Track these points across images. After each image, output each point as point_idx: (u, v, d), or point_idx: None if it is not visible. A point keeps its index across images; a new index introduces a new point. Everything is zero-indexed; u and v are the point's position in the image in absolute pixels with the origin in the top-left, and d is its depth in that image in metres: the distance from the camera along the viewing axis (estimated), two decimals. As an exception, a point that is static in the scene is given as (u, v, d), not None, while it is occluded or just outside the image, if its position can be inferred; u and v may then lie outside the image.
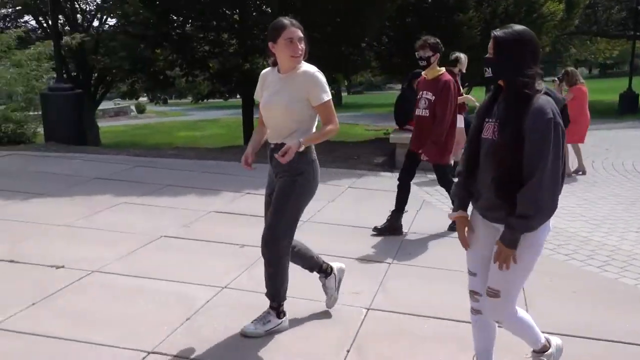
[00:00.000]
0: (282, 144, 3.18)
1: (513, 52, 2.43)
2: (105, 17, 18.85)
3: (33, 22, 19.48)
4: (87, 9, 20.02)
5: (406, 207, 5.42)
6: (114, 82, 19.42)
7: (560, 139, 2.36)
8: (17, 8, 17.47)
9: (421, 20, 12.17)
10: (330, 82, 5.07)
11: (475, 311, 2.77)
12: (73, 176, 7.20)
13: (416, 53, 5.19)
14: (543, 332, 2.83)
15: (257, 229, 5.28)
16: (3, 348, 3.09)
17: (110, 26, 18.68)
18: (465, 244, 2.69)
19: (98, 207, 5.74)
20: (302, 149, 3.15)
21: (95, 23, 20.16)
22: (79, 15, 19.83)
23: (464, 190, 2.67)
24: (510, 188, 2.40)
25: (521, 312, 2.68)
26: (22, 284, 3.93)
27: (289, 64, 3.23)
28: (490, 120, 2.53)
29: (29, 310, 3.53)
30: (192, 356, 3.07)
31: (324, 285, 3.64)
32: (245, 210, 5.89)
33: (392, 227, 5.31)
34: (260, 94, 3.38)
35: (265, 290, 3.41)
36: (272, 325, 3.36)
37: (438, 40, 5.17)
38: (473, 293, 2.73)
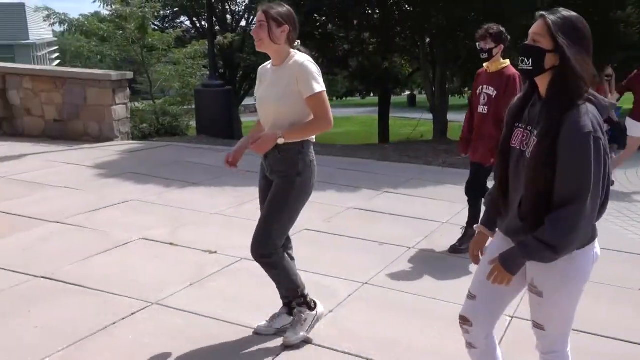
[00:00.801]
0: (277, 144, 2.93)
1: (572, 40, 1.97)
2: (252, 17, 19.86)
3: (188, 23, 21.01)
4: (237, 10, 21.17)
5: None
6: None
7: (602, 157, 1.94)
8: (175, 10, 18.85)
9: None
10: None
11: (469, 345, 2.33)
12: (222, 168, 7.65)
13: (477, 44, 4.57)
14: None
15: (395, 227, 5.39)
16: (166, 322, 3.39)
17: (256, 25, 19.65)
18: (475, 259, 2.37)
19: (246, 198, 6.07)
20: (281, 141, 2.89)
21: (243, 23, 21.32)
22: (228, 16, 21.03)
23: (493, 207, 2.31)
24: (540, 211, 2.01)
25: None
26: (181, 265, 4.27)
27: (271, 55, 2.99)
28: (520, 125, 2.13)
29: (187, 290, 3.84)
30: (337, 347, 3.17)
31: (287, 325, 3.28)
32: (383, 209, 5.95)
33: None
34: (257, 90, 3.16)
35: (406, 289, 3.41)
36: (310, 320, 3.19)
37: (502, 30, 4.52)
38: (464, 320, 2.29)
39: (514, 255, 2.05)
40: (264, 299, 3.60)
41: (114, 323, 3.33)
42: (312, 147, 3.07)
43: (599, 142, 1.93)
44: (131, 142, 9.35)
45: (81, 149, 8.48)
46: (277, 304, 3.32)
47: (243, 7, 20.77)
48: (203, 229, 5.14)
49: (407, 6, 13.44)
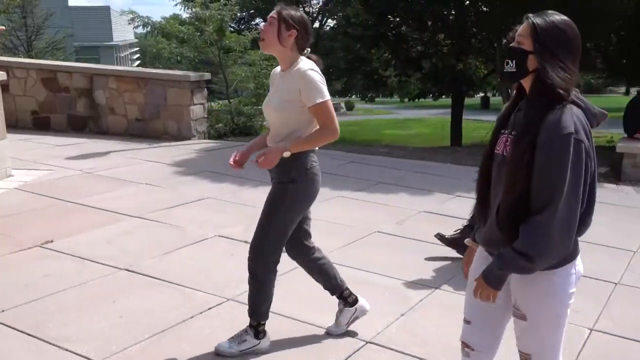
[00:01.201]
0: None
1: (554, 44, 1.90)
2: (325, 19, 20.04)
3: (262, 25, 21.42)
4: (310, 12, 21.40)
5: None
6: (329, 81, 20.55)
7: (582, 161, 1.85)
8: (251, 11, 19.26)
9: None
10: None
11: None
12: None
13: None
14: None
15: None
16: (241, 318, 3.48)
17: (328, 27, 19.80)
18: (467, 276, 2.27)
19: (318, 198, 6.14)
20: (287, 154, 2.83)
21: (316, 24, 21.52)
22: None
23: (476, 216, 2.22)
24: (517, 218, 1.91)
25: None
26: (255, 263, 4.38)
27: (277, 58, 2.94)
28: (505, 131, 2.04)
29: (261, 288, 3.93)
30: (406, 351, 3.18)
31: (339, 312, 3.34)
32: (456, 213, 5.87)
33: (453, 242, 4.65)
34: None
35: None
36: (249, 346, 3.10)
37: None
38: (464, 345, 2.22)
39: (493, 268, 1.96)
40: (335, 300, 3.64)
41: (192, 317, 3.47)
42: (311, 154, 2.96)
43: (580, 145, 1.85)
44: (207, 141, 9.64)
45: (160, 147, 8.82)
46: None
47: (317, 9, 21.01)
48: (276, 228, 5.24)
49: (484, 7, 13.20)
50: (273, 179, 3.01)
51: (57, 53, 23.37)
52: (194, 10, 10.81)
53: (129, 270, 4.15)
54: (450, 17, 13.55)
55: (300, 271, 3.36)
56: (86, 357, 3.02)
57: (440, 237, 4.71)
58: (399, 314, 3.58)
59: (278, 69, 3.03)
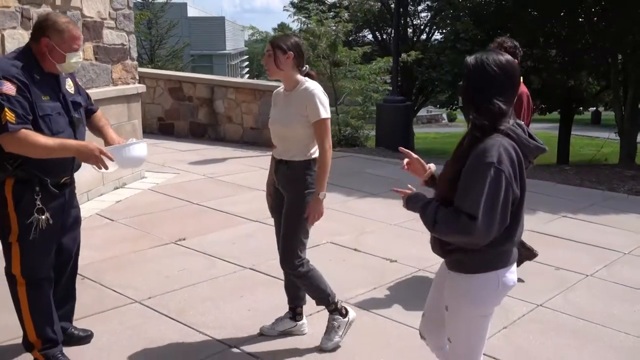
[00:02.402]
0: (282, 161, 3.30)
1: (473, 82, 2.21)
2: (432, 33, 20.15)
3: (370, 36, 21.87)
4: (418, 24, 21.58)
5: None
6: (433, 93, 20.62)
7: (501, 188, 2.08)
8: (359, 24, 19.73)
9: None
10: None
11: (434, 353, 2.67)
12: (399, 181, 8.06)
13: None
14: None
15: (572, 253, 5.38)
16: (362, 323, 3.85)
17: (436, 40, 19.88)
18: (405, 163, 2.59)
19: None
20: (322, 196, 3.25)
21: (423, 36, 21.67)
22: (409, 29, 21.52)
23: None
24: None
25: None
26: (365, 270, 4.74)
27: (282, 80, 3.31)
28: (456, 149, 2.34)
29: (371, 293, 4.29)
30: (503, 359, 3.41)
31: (293, 329, 3.61)
32: (561, 233, 5.93)
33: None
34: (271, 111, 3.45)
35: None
36: (343, 326, 3.46)
37: (516, 44, 4.30)
38: (420, 335, 2.65)
39: (417, 200, 2.29)
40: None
41: (310, 314, 3.86)
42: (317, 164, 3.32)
43: (500, 174, 2.09)
44: (316, 151, 10.12)
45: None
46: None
47: (425, 21, 21.16)
48: (383, 238, 5.57)
49: (600, 22, 12.88)
50: (284, 188, 3.36)
51: (176, 61, 25.02)
52: (309, 25, 11.37)
53: (252, 269, 4.63)
54: (563, 33, 13.30)
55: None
56: (223, 342, 3.49)
57: None
58: (502, 326, 3.79)
59: (281, 89, 3.40)
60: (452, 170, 2.24)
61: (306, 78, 3.31)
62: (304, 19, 12.46)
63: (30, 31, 2.93)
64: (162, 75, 11.07)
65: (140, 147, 3.19)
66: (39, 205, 2.93)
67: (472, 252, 2.22)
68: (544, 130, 27.60)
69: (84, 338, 3.40)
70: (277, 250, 3.49)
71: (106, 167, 2.97)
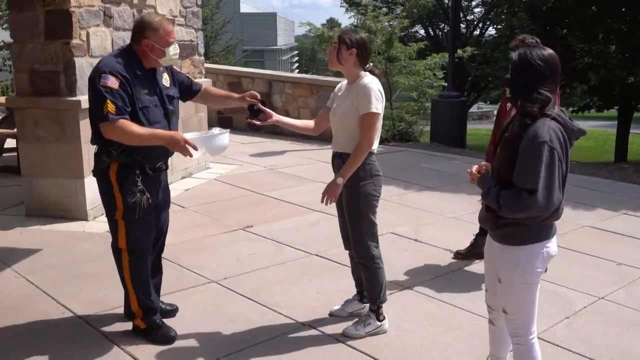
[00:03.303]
0: (340, 153, 3.45)
1: (520, 75, 2.47)
2: (486, 28, 19.99)
3: (422, 32, 21.85)
4: (472, 19, 21.43)
5: None
6: (486, 89, 20.44)
7: (555, 164, 2.36)
8: (413, 20, 19.75)
9: None
10: None
11: (490, 322, 2.91)
12: (456, 175, 8.18)
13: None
14: None
15: (635, 250, 5.39)
16: (419, 306, 4.04)
17: (490, 36, 19.71)
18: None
19: (479, 205, 6.51)
20: (340, 181, 3.33)
21: (476, 32, 21.51)
22: (462, 25, 21.37)
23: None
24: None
25: (537, 347, 2.69)
26: (426, 259, 4.90)
27: (343, 73, 3.44)
28: (507, 134, 2.61)
29: (433, 281, 4.45)
30: (573, 349, 3.52)
31: (361, 310, 3.71)
32: (621, 230, 5.93)
33: (471, 253, 4.89)
34: (331, 103, 3.56)
35: None
36: (373, 327, 3.54)
37: (538, 40, 4.11)
38: (487, 306, 2.88)
39: (486, 184, 2.55)
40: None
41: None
42: (373, 156, 3.45)
43: (553, 152, 2.37)
44: (371, 145, 10.28)
45: (329, 149, 9.55)
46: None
47: (479, 17, 21.00)
48: (442, 229, 5.71)
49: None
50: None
51: (230, 57, 25.54)
52: (366, 22, 11.51)
53: (318, 256, 4.86)
54: (624, 29, 13.03)
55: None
56: (296, 320, 3.73)
57: (458, 254, 4.96)
58: (564, 316, 3.90)
59: (344, 82, 3.54)
60: (507, 153, 2.50)
61: (366, 73, 3.43)
62: (359, 15, 12.59)
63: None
64: (222, 70, 11.43)
65: (225, 137, 3.46)
66: (140, 186, 3.26)
67: (522, 225, 2.50)
68: (600, 128, 27.00)
69: (170, 311, 3.71)
70: (342, 240, 3.71)
71: (191, 155, 3.23)
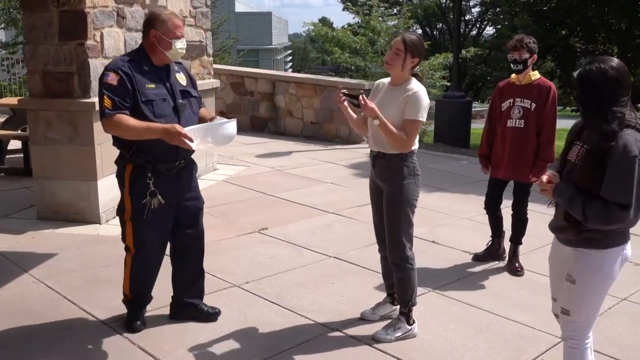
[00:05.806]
0: (379, 153, 3.43)
1: (595, 94, 2.43)
2: (483, 28, 20.01)
3: (419, 31, 21.82)
4: (469, 19, 21.45)
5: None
6: (484, 88, 20.49)
7: None
8: (411, 21, 19.73)
9: None
10: None
11: (556, 316, 2.88)
12: (463, 176, 8.17)
13: (509, 55, 4.50)
14: None
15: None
16: (443, 308, 4.01)
17: (489, 36, 19.74)
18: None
19: (493, 207, 6.50)
20: (376, 123, 3.26)
21: (474, 32, 21.53)
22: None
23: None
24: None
25: (591, 350, 2.71)
26: (445, 261, 4.88)
27: (393, 76, 3.41)
28: (578, 143, 2.60)
29: (456, 283, 4.43)
30: (603, 351, 3.50)
31: (392, 313, 3.72)
32: (637, 230, 5.93)
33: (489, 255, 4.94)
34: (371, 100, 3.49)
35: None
36: (403, 332, 3.53)
37: (534, 40, 4.47)
38: (556, 316, 2.85)
39: (566, 194, 2.53)
40: (524, 300, 4.04)
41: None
42: (414, 155, 3.46)
43: None
44: (375, 145, 10.26)
45: (334, 149, 9.58)
46: (534, 303, 3.73)
47: (476, 16, 21.03)
48: (456, 231, 5.70)
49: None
50: (382, 180, 3.47)
51: (225, 56, 25.36)
52: (370, 22, 11.47)
53: (337, 258, 4.83)
54: (623, 27, 13.08)
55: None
56: (325, 325, 3.69)
57: (477, 257, 4.96)
58: (590, 319, 3.89)
59: (385, 81, 3.54)
60: (592, 165, 2.49)
61: (413, 78, 3.44)
62: (362, 15, 12.56)
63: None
64: (225, 70, 11.36)
65: (231, 125, 3.33)
66: (151, 188, 3.30)
67: (606, 230, 2.53)
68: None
69: (212, 315, 3.71)
70: (377, 240, 3.69)
71: (189, 147, 3.19)
